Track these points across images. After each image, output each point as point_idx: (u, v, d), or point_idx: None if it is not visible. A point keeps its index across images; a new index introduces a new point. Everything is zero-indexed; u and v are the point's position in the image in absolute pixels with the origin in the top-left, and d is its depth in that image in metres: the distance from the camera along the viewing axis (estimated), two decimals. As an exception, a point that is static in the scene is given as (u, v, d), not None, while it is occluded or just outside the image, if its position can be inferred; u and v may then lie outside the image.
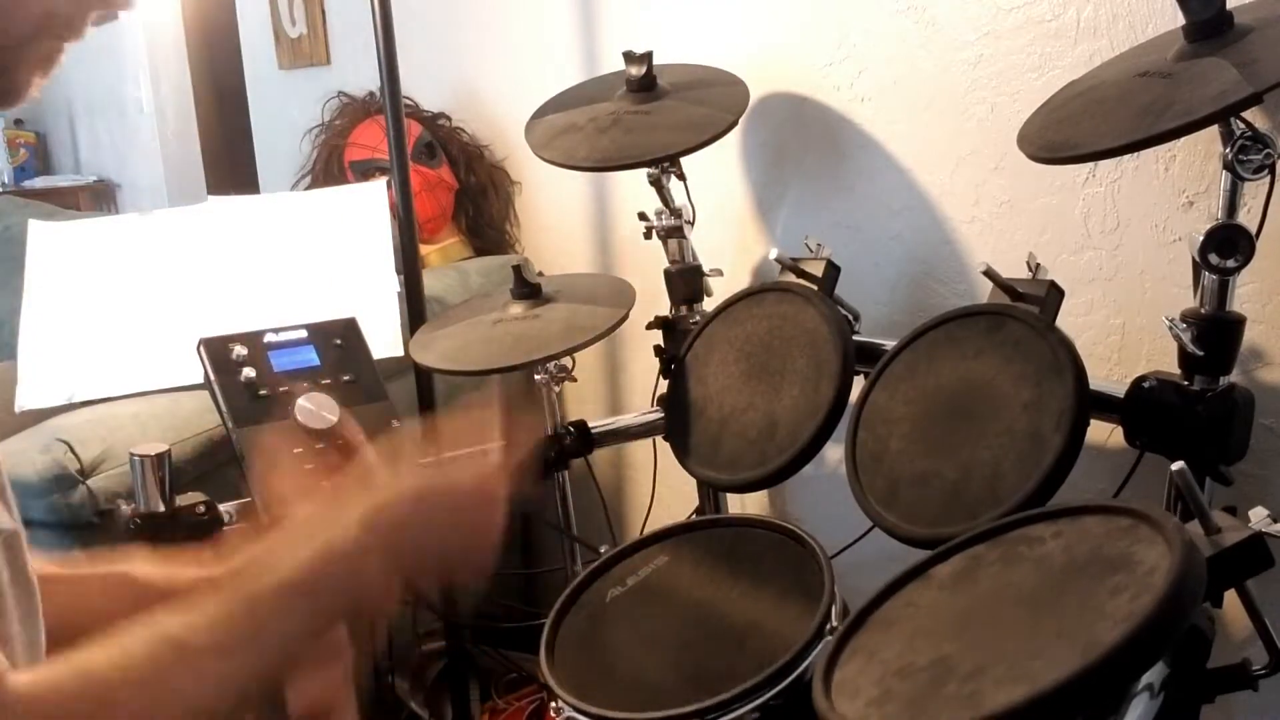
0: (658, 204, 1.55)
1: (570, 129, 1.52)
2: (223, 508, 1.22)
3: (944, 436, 1.09)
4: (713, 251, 1.68)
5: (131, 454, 1.19)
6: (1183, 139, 1.13)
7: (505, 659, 1.89)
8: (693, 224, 1.56)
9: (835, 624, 0.99)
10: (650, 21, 1.79)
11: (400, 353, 1.60)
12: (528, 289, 1.46)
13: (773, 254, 1.39)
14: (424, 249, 2.05)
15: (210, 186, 3.83)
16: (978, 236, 1.42)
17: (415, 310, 1.69)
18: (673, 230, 1.55)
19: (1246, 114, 0.98)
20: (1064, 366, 1.02)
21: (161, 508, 1.18)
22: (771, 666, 0.94)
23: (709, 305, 1.52)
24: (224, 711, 0.65)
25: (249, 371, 1.26)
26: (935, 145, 1.44)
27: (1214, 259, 1.01)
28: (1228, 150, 0.99)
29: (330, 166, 2.22)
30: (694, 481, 1.46)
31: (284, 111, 2.87)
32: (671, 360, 1.45)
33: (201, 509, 1.20)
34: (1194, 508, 0.80)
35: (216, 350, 1.28)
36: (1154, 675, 0.79)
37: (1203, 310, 1.04)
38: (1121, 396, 1.10)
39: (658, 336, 1.57)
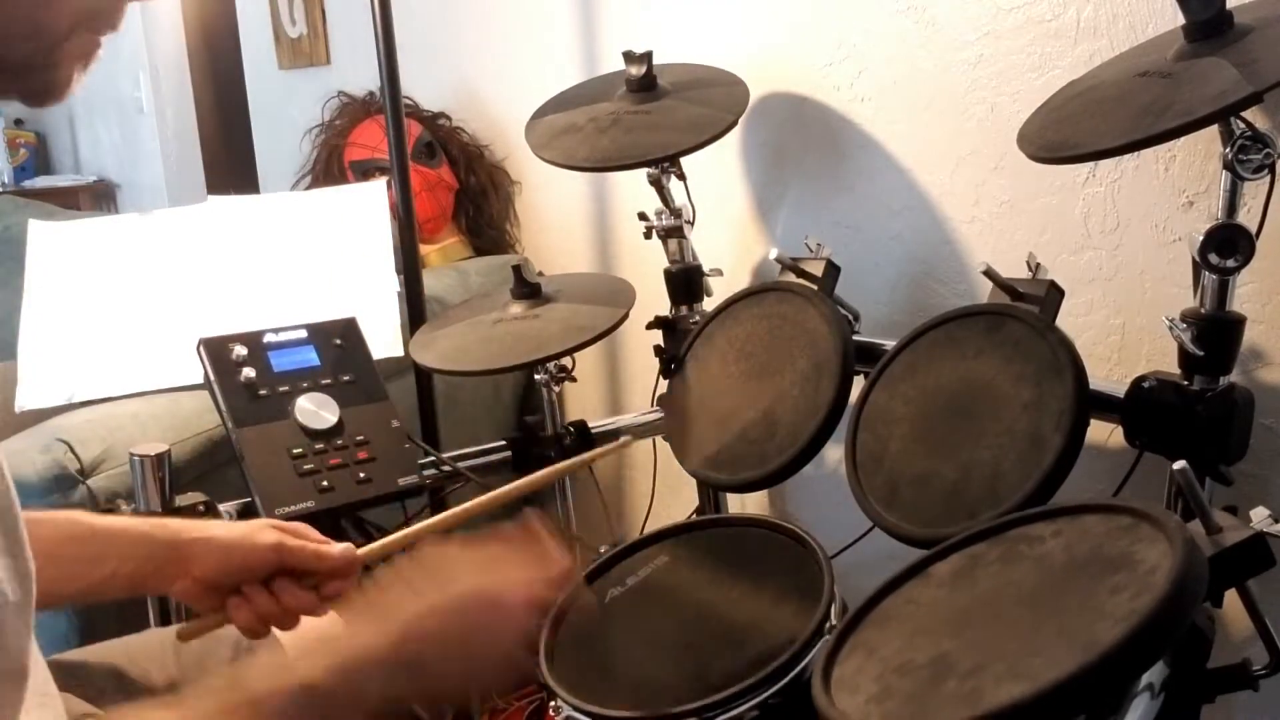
0: (658, 204, 1.55)
1: (570, 129, 1.53)
2: (223, 508, 1.22)
3: (944, 436, 1.09)
4: (713, 251, 1.68)
5: (131, 454, 1.19)
6: (1183, 139, 1.13)
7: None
8: (693, 224, 1.56)
9: (835, 623, 0.99)
10: (650, 21, 1.79)
11: (400, 353, 1.60)
12: (528, 289, 1.46)
13: (773, 254, 1.39)
14: (424, 249, 2.05)
15: (210, 186, 3.84)
16: (978, 236, 1.42)
17: (415, 310, 1.69)
18: (673, 230, 1.55)
19: (1246, 114, 0.98)
20: (1064, 366, 1.02)
21: (161, 508, 1.18)
22: (771, 665, 0.94)
23: (709, 305, 1.52)
24: None
25: (249, 371, 1.27)
26: (935, 145, 1.44)
27: (1214, 259, 1.01)
28: (1228, 150, 0.99)
29: (330, 166, 2.22)
30: (694, 481, 1.46)
31: (284, 111, 2.87)
32: (671, 360, 1.45)
33: (201, 509, 1.19)
34: (1195, 507, 0.80)
35: (216, 350, 1.28)
36: (1154, 675, 0.79)
37: (1203, 310, 1.04)
38: (1121, 396, 1.10)
39: (658, 336, 1.58)
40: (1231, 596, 0.82)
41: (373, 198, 1.83)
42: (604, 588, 1.13)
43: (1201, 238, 1.00)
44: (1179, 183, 1.22)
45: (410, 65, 1.78)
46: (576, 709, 0.98)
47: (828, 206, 1.60)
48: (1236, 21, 0.98)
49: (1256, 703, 1.03)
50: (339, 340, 1.35)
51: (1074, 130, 1.03)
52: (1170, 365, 1.08)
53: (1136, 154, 1.24)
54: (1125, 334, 1.30)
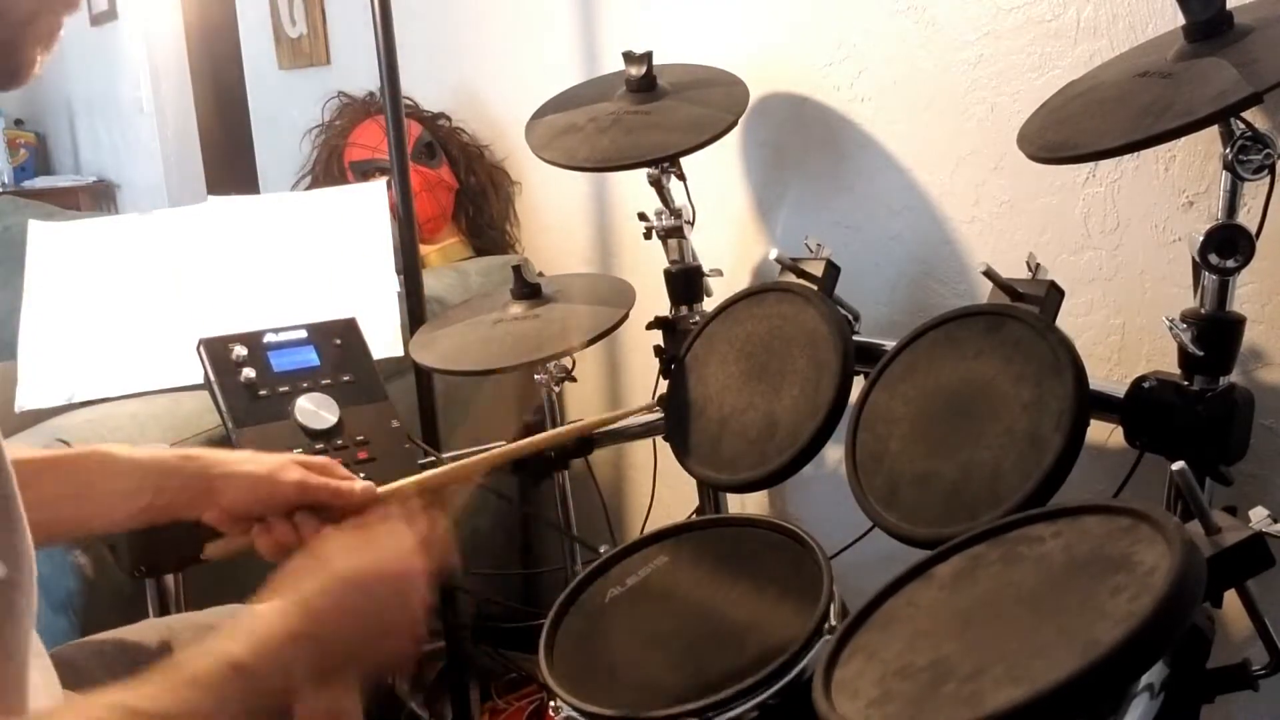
0: (658, 204, 1.55)
1: (570, 129, 1.53)
2: (223, 508, 1.22)
3: (944, 437, 1.09)
4: (713, 251, 1.68)
5: (131, 454, 1.19)
6: (1183, 139, 1.13)
7: (505, 659, 1.88)
8: (693, 224, 1.56)
9: (834, 623, 0.99)
10: (650, 21, 1.79)
11: (400, 353, 1.60)
12: (528, 289, 1.46)
13: (773, 254, 1.39)
14: (424, 249, 2.05)
15: (210, 186, 3.85)
16: (978, 236, 1.42)
17: (415, 310, 1.69)
18: (672, 230, 1.55)
19: (1246, 114, 0.98)
20: (1064, 366, 1.02)
21: (161, 508, 1.18)
22: (770, 665, 0.94)
23: (709, 305, 1.52)
24: None
25: (249, 372, 1.27)
26: (935, 145, 1.44)
27: (1214, 259, 1.00)
28: (1228, 150, 0.99)
29: (330, 166, 2.22)
30: (694, 481, 1.46)
31: (284, 111, 2.88)
32: (671, 360, 1.45)
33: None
34: (1194, 508, 0.80)
35: (216, 350, 1.28)
36: (1154, 675, 0.79)
37: (1203, 310, 1.04)
38: (1121, 396, 1.10)
39: (658, 336, 1.57)
40: (1231, 596, 0.82)
41: (373, 198, 1.83)
42: (604, 588, 1.13)
43: (1201, 238, 1.00)
44: (1179, 183, 1.22)
45: (410, 65, 1.78)
46: (576, 709, 0.98)
47: (828, 206, 1.60)
48: (1236, 22, 0.98)
49: (1256, 703, 1.03)
50: (339, 340, 1.35)
51: (1074, 130, 1.03)
52: (1170, 365, 1.08)
53: (1136, 154, 1.23)
54: (1125, 334, 1.30)
